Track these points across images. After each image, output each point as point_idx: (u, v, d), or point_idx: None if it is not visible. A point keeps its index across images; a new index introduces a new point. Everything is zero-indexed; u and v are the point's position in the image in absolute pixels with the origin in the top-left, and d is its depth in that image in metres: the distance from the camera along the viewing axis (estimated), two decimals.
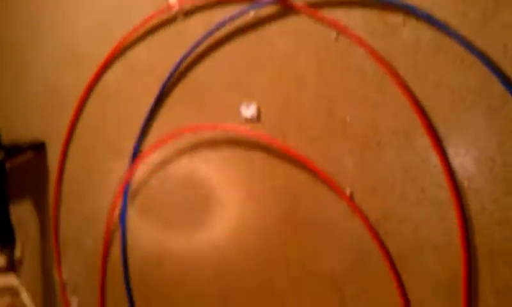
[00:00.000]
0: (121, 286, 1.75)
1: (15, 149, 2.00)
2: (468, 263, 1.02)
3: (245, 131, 1.34)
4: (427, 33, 1.03)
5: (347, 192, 1.17)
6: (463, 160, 1.02)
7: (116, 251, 1.74)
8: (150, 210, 1.64)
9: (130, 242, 1.70)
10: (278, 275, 1.33)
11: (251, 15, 1.28)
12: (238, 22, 1.32)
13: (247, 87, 1.32)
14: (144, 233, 1.66)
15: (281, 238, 1.30)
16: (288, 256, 1.30)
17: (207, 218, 1.46)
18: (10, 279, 2.14)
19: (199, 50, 1.41)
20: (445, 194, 1.04)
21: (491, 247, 1.00)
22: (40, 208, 2.02)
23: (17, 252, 2.13)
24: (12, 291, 2.10)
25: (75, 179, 1.87)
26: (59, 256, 1.96)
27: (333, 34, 1.16)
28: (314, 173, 1.21)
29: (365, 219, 1.14)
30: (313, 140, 1.22)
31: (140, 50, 1.56)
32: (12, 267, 2.15)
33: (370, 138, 1.13)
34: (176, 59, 1.44)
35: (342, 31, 1.14)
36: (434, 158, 1.05)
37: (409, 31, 1.05)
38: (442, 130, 1.04)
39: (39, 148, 1.99)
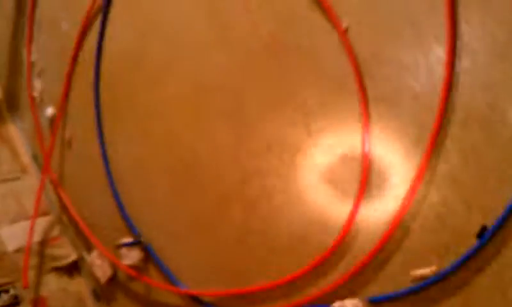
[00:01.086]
0: (90, 81, 1.72)
1: None
2: (442, 118, 1.02)
3: None
4: None
5: (344, 24, 1.13)
6: (470, 19, 0.98)
7: (91, 41, 1.69)
8: (135, 4, 1.57)
9: (108, 34, 1.64)
10: (251, 98, 1.32)
11: None
12: None
13: None
14: (127, 27, 1.60)
15: (266, 56, 1.27)
16: (268, 79, 1.28)
17: (196, 16, 1.41)
18: None
19: None
20: (440, 48, 1.01)
21: (469, 109, 1.00)
22: None
23: None
24: None
25: None
26: (31, 35, 1.90)
27: None
28: None
29: (353, 55, 1.12)
30: None
31: None
32: None
33: None
34: None
35: None
36: (442, 10, 1.01)
37: None
38: None
39: None
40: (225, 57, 1.36)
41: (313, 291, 1.27)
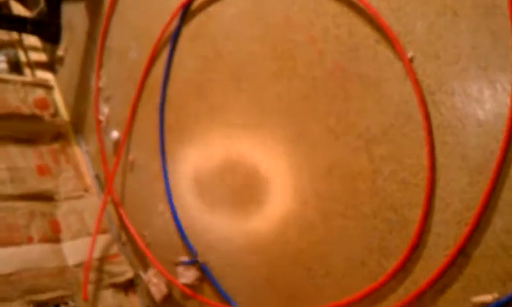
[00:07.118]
0: (155, 106, 1.80)
1: None
2: (508, 146, 1.04)
3: None
4: None
5: (409, 55, 1.17)
6: None
7: (158, 70, 1.78)
8: (202, 36, 1.66)
9: (175, 64, 1.73)
10: (315, 123, 1.36)
11: None
12: None
13: None
14: (192, 57, 1.68)
15: (329, 85, 1.33)
16: (330, 107, 1.33)
17: (260, 47, 1.48)
18: (47, 75, 2.21)
19: None
20: (507, 77, 1.04)
21: None
22: (93, 12, 2.04)
23: (60, 51, 2.19)
24: (47, 88, 2.17)
25: None
26: (100, 62, 2.01)
27: None
28: (381, 29, 1.21)
29: (417, 84, 1.15)
30: None
31: None
32: (52, 64, 2.21)
33: (449, 6, 1.12)
34: None
35: None
36: (507, 41, 1.04)
37: None
38: None
39: None
40: (288, 86, 1.42)
41: None
